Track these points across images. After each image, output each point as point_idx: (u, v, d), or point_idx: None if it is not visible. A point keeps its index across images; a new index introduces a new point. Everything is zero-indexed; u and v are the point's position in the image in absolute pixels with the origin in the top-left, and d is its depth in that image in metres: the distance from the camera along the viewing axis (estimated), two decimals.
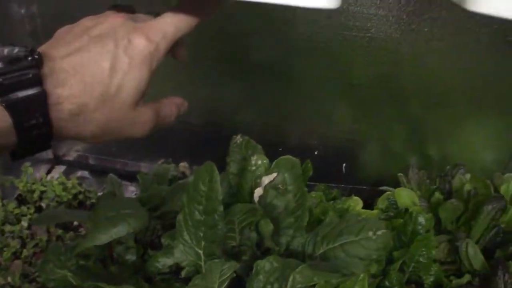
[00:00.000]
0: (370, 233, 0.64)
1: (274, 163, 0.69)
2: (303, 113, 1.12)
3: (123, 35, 0.40)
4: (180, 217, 0.61)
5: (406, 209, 0.89)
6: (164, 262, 0.65)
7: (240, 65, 1.07)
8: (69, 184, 1.05)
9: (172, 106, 0.48)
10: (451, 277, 0.81)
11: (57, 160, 1.22)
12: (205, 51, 1.05)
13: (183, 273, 0.63)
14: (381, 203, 0.97)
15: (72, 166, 1.22)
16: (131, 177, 1.12)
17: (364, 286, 0.71)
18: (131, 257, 0.71)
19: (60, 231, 0.94)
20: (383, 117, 1.10)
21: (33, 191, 1.03)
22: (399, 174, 1.05)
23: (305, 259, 0.66)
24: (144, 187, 0.87)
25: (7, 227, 0.93)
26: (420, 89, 1.06)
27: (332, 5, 0.37)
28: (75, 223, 0.97)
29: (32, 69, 0.36)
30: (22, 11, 1.07)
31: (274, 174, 0.67)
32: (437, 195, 0.92)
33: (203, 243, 0.61)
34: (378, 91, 1.06)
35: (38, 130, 0.37)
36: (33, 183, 1.04)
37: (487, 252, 0.83)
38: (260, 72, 1.06)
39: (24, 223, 0.96)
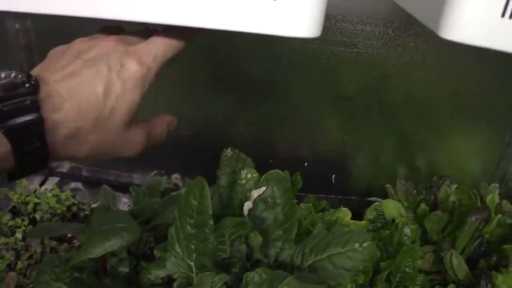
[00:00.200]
0: (356, 245, 0.66)
1: (263, 177, 0.71)
2: (293, 126, 1.14)
3: (116, 59, 0.42)
4: (172, 230, 0.63)
5: (393, 220, 0.91)
6: (156, 274, 0.67)
7: (231, 79, 1.09)
8: (63, 196, 1.07)
9: (162, 125, 0.49)
10: (436, 287, 0.83)
11: (50, 172, 1.24)
12: (196, 65, 1.07)
13: (175, 285, 0.64)
14: (370, 213, 0.99)
15: (65, 178, 1.23)
16: (124, 188, 1.14)
17: None
18: (124, 269, 0.72)
19: (54, 243, 0.95)
20: (371, 129, 1.13)
21: (27, 203, 1.04)
22: (387, 185, 1.08)
23: (293, 270, 0.68)
24: (137, 200, 0.88)
25: (2, 239, 0.94)
26: (406, 102, 1.08)
27: (311, 34, 0.39)
28: (69, 235, 0.98)
29: (29, 96, 0.36)
30: (17, 25, 1.09)
31: (263, 188, 0.69)
32: (423, 206, 0.94)
33: (194, 255, 0.62)
34: (366, 104, 1.08)
35: (35, 154, 0.37)
36: (27, 195, 1.05)
37: (471, 262, 0.85)
38: (250, 86, 1.08)
39: (19, 235, 0.97)
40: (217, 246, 0.64)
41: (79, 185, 1.21)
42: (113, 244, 0.59)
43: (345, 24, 0.96)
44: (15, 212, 1.04)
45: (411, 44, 0.99)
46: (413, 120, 1.12)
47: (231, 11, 0.39)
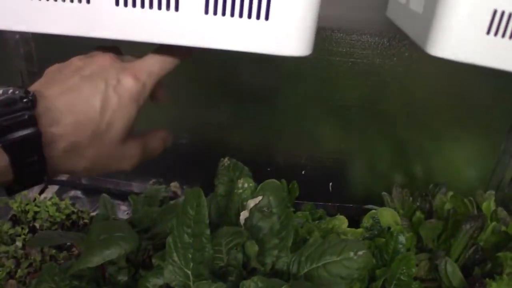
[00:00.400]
0: (352, 253, 0.67)
1: (259, 186, 0.72)
2: (290, 134, 1.15)
3: (113, 75, 0.43)
4: (169, 239, 0.64)
5: (388, 228, 0.92)
6: (154, 282, 0.68)
7: (229, 89, 1.11)
8: (62, 204, 1.08)
9: (158, 140, 0.51)
10: None
11: (50, 180, 1.25)
12: (195, 74, 1.08)
13: None
14: (366, 221, 1.00)
15: (65, 186, 1.24)
16: (123, 196, 1.15)
17: None
18: (123, 277, 0.73)
19: (53, 251, 0.96)
20: (368, 137, 1.14)
21: (27, 212, 1.05)
22: (383, 193, 1.09)
23: (290, 278, 0.69)
24: (136, 209, 0.89)
25: (2, 248, 0.95)
26: (402, 110, 1.10)
27: (302, 53, 0.41)
28: (68, 243, 0.99)
29: (27, 111, 0.37)
30: (17, 35, 1.10)
31: (259, 197, 0.70)
32: (418, 214, 0.95)
33: (191, 264, 0.63)
34: (362, 113, 1.10)
35: (33, 167, 0.38)
36: (27, 204, 1.06)
37: (466, 270, 0.86)
38: (248, 95, 1.10)
39: (19, 243, 0.98)
40: (214, 255, 0.65)
41: (78, 193, 1.22)
42: (112, 253, 0.60)
43: (341, 35, 0.98)
44: (15, 221, 1.05)
45: (406, 54, 1.00)
46: (409, 129, 1.13)
47: (224, 31, 0.40)
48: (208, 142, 1.19)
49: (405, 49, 1.00)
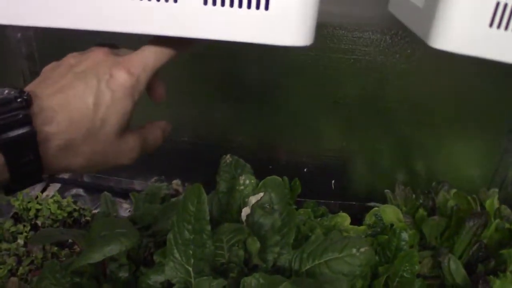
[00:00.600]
0: (354, 250, 0.67)
1: (261, 183, 0.72)
2: (292, 132, 1.15)
3: (105, 70, 0.42)
4: (170, 235, 0.64)
5: (391, 225, 0.91)
6: (155, 279, 0.68)
7: (230, 86, 1.10)
8: (64, 202, 1.08)
9: (156, 132, 0.50)
10: None
11: (52, 178, 1.25)
12: (196, 71, 1.08)
13: None
14: (369, 219, 1.00)
15: (66, 184, 1.24)
16: (125, 194, 1.15)
17: None
18: (123, 274, 0.73)
19: (55, 249, 0.96)
20: (370, 134, 1.14)
21: (29, 210, 1.05)
22: (386, 190, 1.08)
23: (291, 275, 0.69)
24: (137, 206, 0.89)
25: (4, 245, 0.95)
26: (405, 108, 1.09)
27: (303, 43, 0.40)
28: (70, 240, 0.99)
29: (22, 110, 0.37)
30: (18, 34, 1.10)
31: (261, 194, 0.70)
32: (421, 211, 0.95)
33: (192, 260, 0.63)
34: (365, 110, 1.09)
35: (29, 166, 0.38)
36: (29, 202, 1.06)
37: (470, 267, 0.86)
38: (250, 93, 1.10)
39: (20, 241, 0.98)
40: (215, 252, 0.65)
41: (80, 191, 1.22)
42: (112, 249, 0.60)
43: (343, 32, 0.97)
44: (16, 218, 1.05)
45: (409, 51, 1.00)
46: (412, 126, 1.13)
47: (223, 22, 0.40)
48: (209, 139, 1.18)
49: (408, 46, 0.99)
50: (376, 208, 1.00)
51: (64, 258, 0.95)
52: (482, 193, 1.07)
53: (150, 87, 0.48)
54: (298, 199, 1.05)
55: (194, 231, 0.62)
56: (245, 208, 0.70)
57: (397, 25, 0.96)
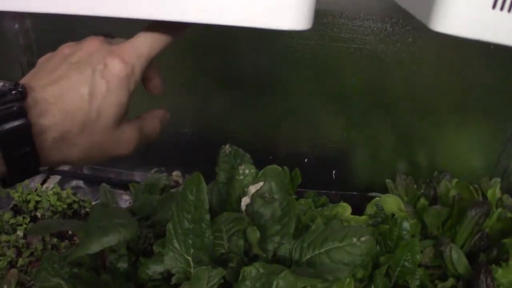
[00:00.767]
0: (355, 239, 0.66)
1: (260, 172, 0.71)
2: (292, 122, 1.14)
3: (99, 59, 0.42)
4: (169, 225, 0.63)
5: (392, 215, 0.91)
6: (154, 269, 0.67)
7: (230, 76, 1.09)
8: (64, 194, 1.07)
9: (154, 120, 0.49)
10: (436, 281, 0.83)
11: (51, 170, 1.24)
12: (195, 61, 1.07)
13: (173, 280, 0.65)
14: (370, 209, 0.99)
15: (66, 176, 1.24)
16: (125, 186, 1.14)
17: None
18: (123, 264, 0.72)
19: (55, 240, 0.96)
20: (371, 124, 1.13)
21: (28, 201, 1.04)
22: (387, 180, 1.08)
23: (292, 265, 0.68)
24: (137, 197, 0.89)
25: (3, 237, 0.95)
26: (406, 97, 1.08)
27: (301, 27, 0.39)
28: (70, 232, 0.99)
29: (17, 102, 0.37)
30: (16, 26, 1.09)
31: (261, 183, 0.69)
32: (422, 201, 0.94)
33: (192, 250, 0.63)
34: (365, 100, 1.08)
35: (25, 159, 0.38)
36: (28, 193, 1.05)
37: (472, 256, 0.85)
38: (250, 83, 1.09)
39: (20, 233, 0.97)
40: (215, 241, 0.64)
41: (80, 183, 1.22)
42: (111, 239, 0.59)
43: (343, 20, 0.96)
44: (16, 210, 1.05)
45: (410, 40, 0.99)
46: (413, 116, 1.12)
47: (219, 6, 0.39)
48: (209, 131, 1.18)
49: (409, 35, 0.98)
50: (377, 198, 0.99)
51: (64, 250, 0.94)
52: (484, 183, 1.07)
53: (146, 78, 0.47)
54: (299, 189, 1.04)
55: (193, 221, 0.61)
56: (244, 198, 0.69)
57: (398, 14, 0.96)
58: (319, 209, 0.92)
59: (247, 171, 0.74)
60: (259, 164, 0.77)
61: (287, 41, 1.00)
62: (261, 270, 0.60)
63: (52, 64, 0.42)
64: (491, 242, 0.88)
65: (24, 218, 1.01)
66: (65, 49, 0.44)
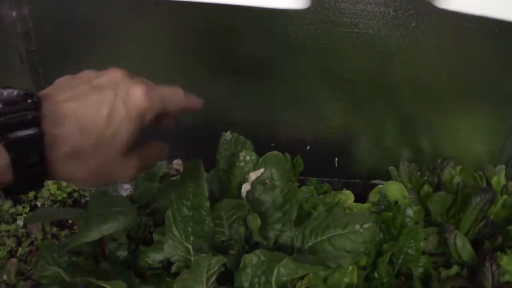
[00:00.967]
0: (357, 226, 0.65)
1: (261, 159, 0.70)
2: (294, 109, 1.13)
3: (123, 87, 0.43)
4: (169, 213, 0.62)
5: (396, 202, 0.90)
6: (154, 257, 0.66)
7: (231, 63, 1.08)
8: (63, 182, 1.06)
9: (155, 152, 0.50)
10: (440, 269, 0.82)
11: None
12: (196, 48, 1.06)
13: (173, 268, 0.64)
14: (373, 196, 0.98)
15: None
16: None
17: (353, 278, 0.72)
18: (122, 253, 0.72)
19: (55, 229, 0.95)
20: (374, 111, 1.11)
21: None
22: (390, 167, 1.07)
23: (293, 252, 0.68)
24: (137, 185, 0.88)
25: (3, 226, 0.94)
26: (409, 83, 1.07)
27: (299, 5, 0.38)
28: (70, 221, 0.98)
29: (31, 111, 0.37)
30: (14, 13, 1.07)
31: (261, 170, 0.68)
32: (426, 187, 0.93)
33: (191, 238, 0.62)
34: (368, 86, 1.07)
35: (33, 169, 0.38)
36: None
37: (476, 244, 0.84)
38: (251, 69, 1.07)
39: (20, 222, 0.97)
40: (215, 229, 0.64)
41: None
42: (110, 227, 0.59)
43: (345, 4, 0.95)
44: (16, 200, 1.04)
45: (413, 24, 0.97)
46: (416, 102, 1.10)
47: None
48: (210, 118, 1.16)
49: (412, 19, 0.96)
50: (380, 186, 0.98)
51: (64, 239, 0.94)
52: (488, 170, 1.05)
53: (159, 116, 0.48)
54: (301, 177, 1.03)
55: (192, 208, 0.60)
56: (245, 184, 0.68)
57: None
58: (321, 196, 0.91)
59: (247, 158, 0.72)
60: (261, 151, 0.76)
61: (289, 26, 0.99)
62: (262, 258, 0.60)
63: (73, 83, 0.43)
64: (496, 229, 0.87)
65: (24, 207, 1.00)
66: (88, 73, 0.45)
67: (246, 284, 0.60)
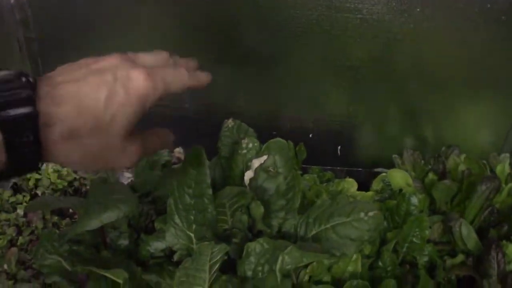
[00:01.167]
0: (362, 214, 0.64)
1: (264, 146, 0.69)
2: (297, 97, 1.11)
3: (123, 71, 0.42)
4: (170, 200, 0.61)
5: (400, 190, 0.89)
6: (155, 246, 0.65)
7: (233, 50, 1.07)
8: (64, 171, 1.06)
9: (158, 139, 0.49)
10: (445, 257, 0.82)
11: None
12: (198, 37, 1.05)
13: (175, 257, 0.63)
14: (376, 184, 0.98)
15: None
16: None
17: (357, 267, 0.71)
18: (124, 242, 0.71)
19: (55, 218, 0.94)
20: (378, 98, 1.10)
21: (28, 179, 1.03)
22: (394, 155, 1.06)
23: (297, 241, 0.67)
24: (138, 173, 0.87)
25: (3, 215, 0.94)
26: (414, 70, 1.06)
27: None
28: (71, 210, 0.97)
29: (25, 90, 0.37)
30: (12, 0, 1.06)
31: (264, 157, 0.67)
32: (431, 175, 0.92)
33: (194, 226, 0.61)
34: (371, 73, 1.06)
35: (27, 149, 0.37)
36: None
37: (482, 232, 0.83)
38: (253, 57, 1.06)
39: (20, 211, 0.96)
40: (218, 217, 0.63)
41: None
42: (110, 215, 0.57)
43: None
44: (16, 189, 1.04)
45: (418, 10, 0.95)
46: (421, 90, 1.09)
47: None
48: (212, 106, 1.15)
49: (417, 4, 0.95)
50: (384, 174, 0.97)
51: (64, 228, 0.93)
52: (492, 158, 1.04)
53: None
54: (303, 165, 1.02)
55: (194, 195, 0.59)
56: (248, 172, 0.67)
57: None
58: (325, 184, 0.90)
59: (250, 145, 0.71)
60: (263, 139, 0.75)
61: (291, 12, 0.97)
62: (266, 246, 0.59)
63: (72, 68, 0.43)
64: (501, 217, 0.86)
65: (24, 196, 1.00)
66: (88, 59, 0.44)
67: (249, 272, 0.60)
